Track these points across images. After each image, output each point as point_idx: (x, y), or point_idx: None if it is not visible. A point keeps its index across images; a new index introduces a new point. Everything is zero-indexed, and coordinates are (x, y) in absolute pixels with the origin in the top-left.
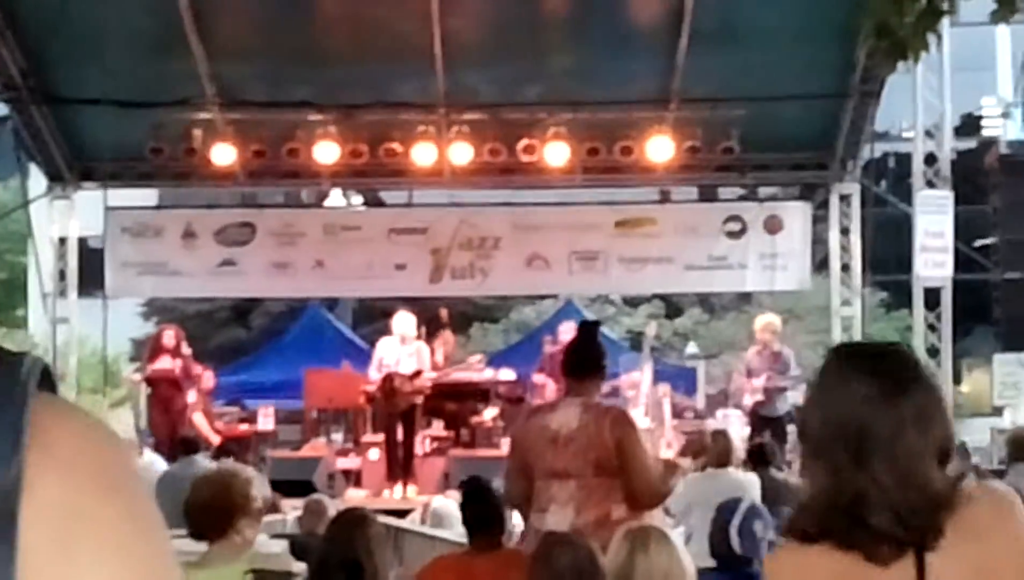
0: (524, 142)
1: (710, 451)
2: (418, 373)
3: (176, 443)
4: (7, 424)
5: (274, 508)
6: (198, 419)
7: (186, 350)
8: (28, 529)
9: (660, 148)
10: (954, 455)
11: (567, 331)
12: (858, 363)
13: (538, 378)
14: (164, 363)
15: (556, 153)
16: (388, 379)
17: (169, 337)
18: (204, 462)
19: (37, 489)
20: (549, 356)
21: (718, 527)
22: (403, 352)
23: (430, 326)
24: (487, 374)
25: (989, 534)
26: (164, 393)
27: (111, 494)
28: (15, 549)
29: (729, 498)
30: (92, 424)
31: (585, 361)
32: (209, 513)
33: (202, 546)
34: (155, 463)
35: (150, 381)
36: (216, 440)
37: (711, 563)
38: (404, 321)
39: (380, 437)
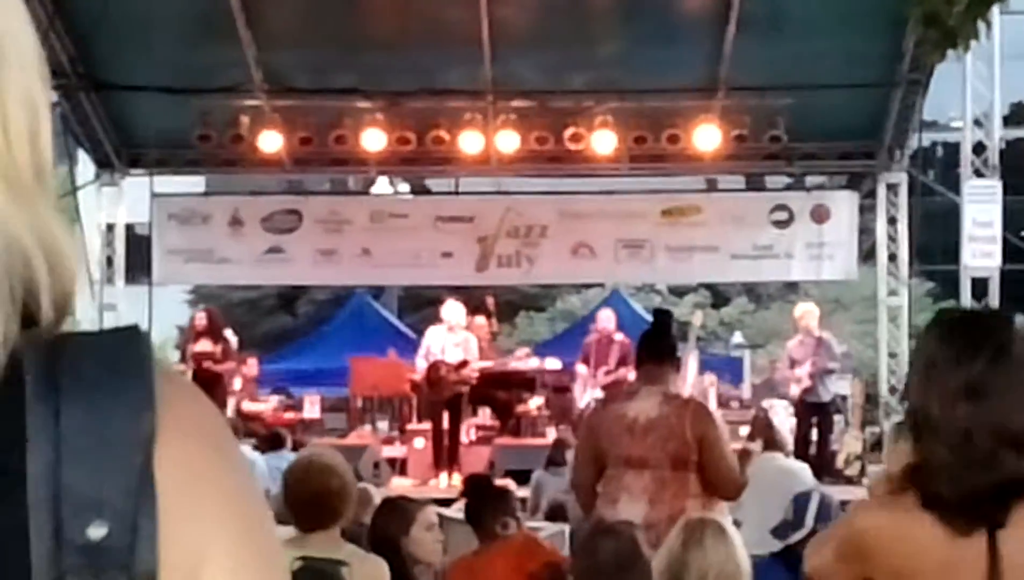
0: (571, 130)
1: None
2: (464, 362)
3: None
4: (140, 385)
5: None
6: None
7: (228, 334)
8: (160, 475)
9: (707, 137)
10: None
11: (606, 319)
12: (931, 334)
13: (580, 368)
14: (204, 346)
15: (603, 141)
16: (434, 368)
17: (201, 318)
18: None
19: (162, 446)
20: (588, 344)
21: (795, 516)
22: (450, 341)
23: (475, 314)
24: (533, 363)
25: None
26: (206, 376)
27: (224, 456)
28: (155, 487)
29: (801, 490)
30: (200, 395)
31: (661, 349)
32: (329, 501)
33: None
34: None
35: (192, 364)
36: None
37: (760, 550)
38: (453, 310)
39: (426, 426)
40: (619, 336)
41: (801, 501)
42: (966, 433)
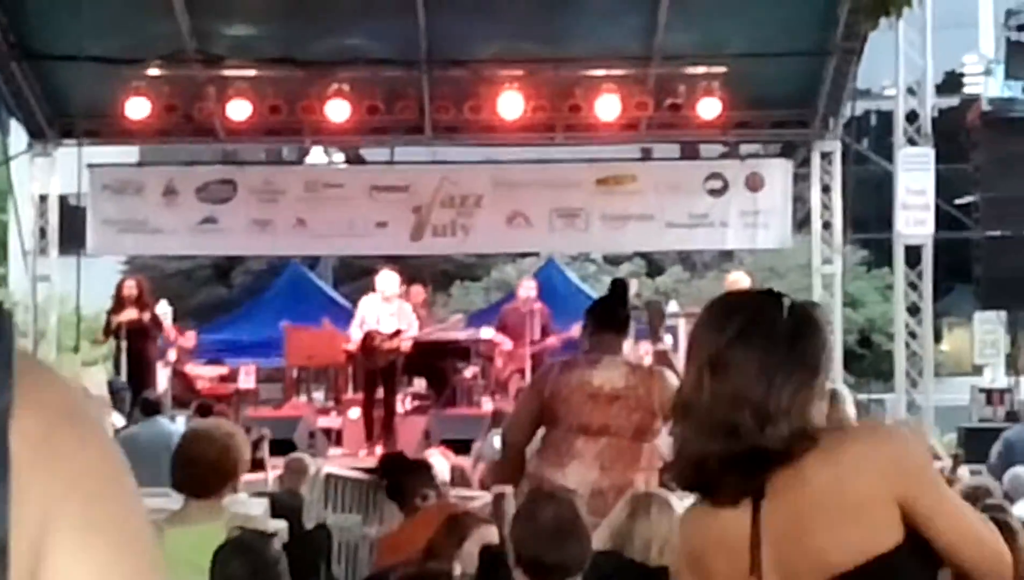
0: (504, 99)
1: None
2: (398, 332)
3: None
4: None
5: (258, 466)
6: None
7: (162, 305)
8: (14, 445)
9: (641, 105)
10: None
11: (528, 288)
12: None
13: (499, 337)
14: (130, 314)
15: (535, 110)
16: (369, 337)
17: (131, 287)
18: (167, 423)
19: (17, 420)
20: (506, 312)
21: None
22: (385, 310)
23: (410, 283)
24: (468, 332)
25: (818, 476)
26: (136, 345)
27: (76, 430)
28: (9, 457)
29: None
30: (56, 375)
31: (619, 318)
32: (208, 470)
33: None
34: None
35: (119, 333)
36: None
37: None
38: (387, 279)
39: (361, 396)
40: (537, 305)
41: None
42: (708, 407)
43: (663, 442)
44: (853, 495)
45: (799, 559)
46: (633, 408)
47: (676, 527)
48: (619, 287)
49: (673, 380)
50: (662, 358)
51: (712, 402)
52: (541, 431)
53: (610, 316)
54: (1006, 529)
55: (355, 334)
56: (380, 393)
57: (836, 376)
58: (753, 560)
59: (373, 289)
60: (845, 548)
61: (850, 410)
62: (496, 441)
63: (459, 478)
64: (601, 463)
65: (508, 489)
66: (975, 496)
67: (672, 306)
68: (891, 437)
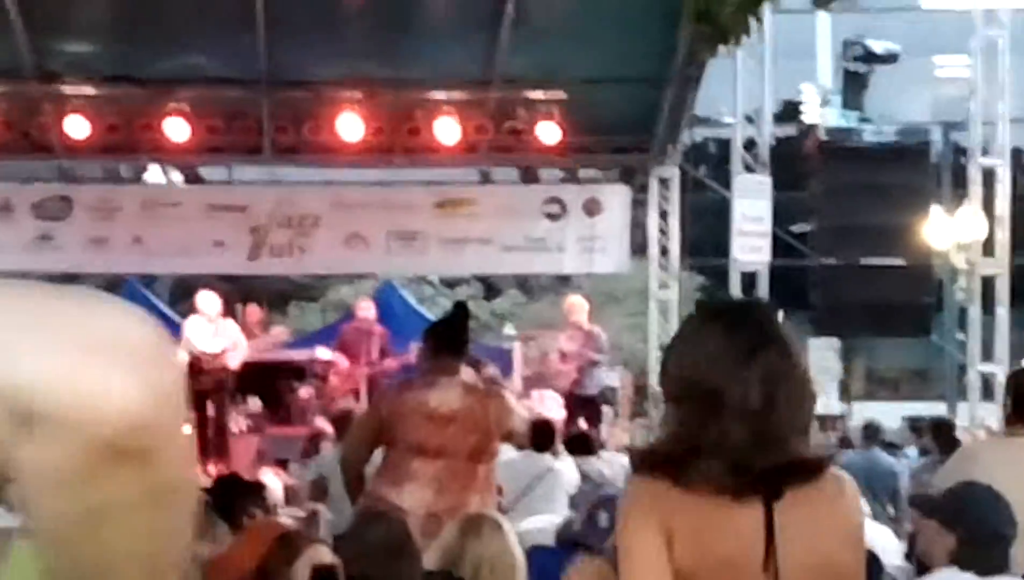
0: (343, 120)
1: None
2: (224, 351)
3: None
4: None
5: None
6: None
7: None
8: None
9: (480, 129)
10: (810, 417)
11: (365, 309)
12: (714, 323)
13: (337, 357)
14: None
15: (375, 132)
16: (194, 359)
17: None
18: None
19: None
20: (346, 332)
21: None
22: (209, 331)
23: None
24: (304, 352)
25: (830, 508)
26: None
27: None
28: None
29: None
30: None
31: (459, 341)
32: None
33: None
34: None
35: None
36: None
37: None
38: (207, 300)
39: (193, 415)
40: (377, 327)
41: (587, 499)
42: (762, 417)
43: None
44: (852, 521)
45: (811, 560)
46: (469, 430)
47: (508, 548)
48: (460, 310)
49: (511, 401)
50: (491, 382)
51: (768, 412)
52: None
53: (449, 338)
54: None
55: (181, 355)
56: (211, 412)
57: None
58: (767, 555)
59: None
60: (848, 561)
61: None
62: (328, 459)
63: (293, 497)
64: (437, 485)
65: (321, 506)
66: None
67: (508, 329)
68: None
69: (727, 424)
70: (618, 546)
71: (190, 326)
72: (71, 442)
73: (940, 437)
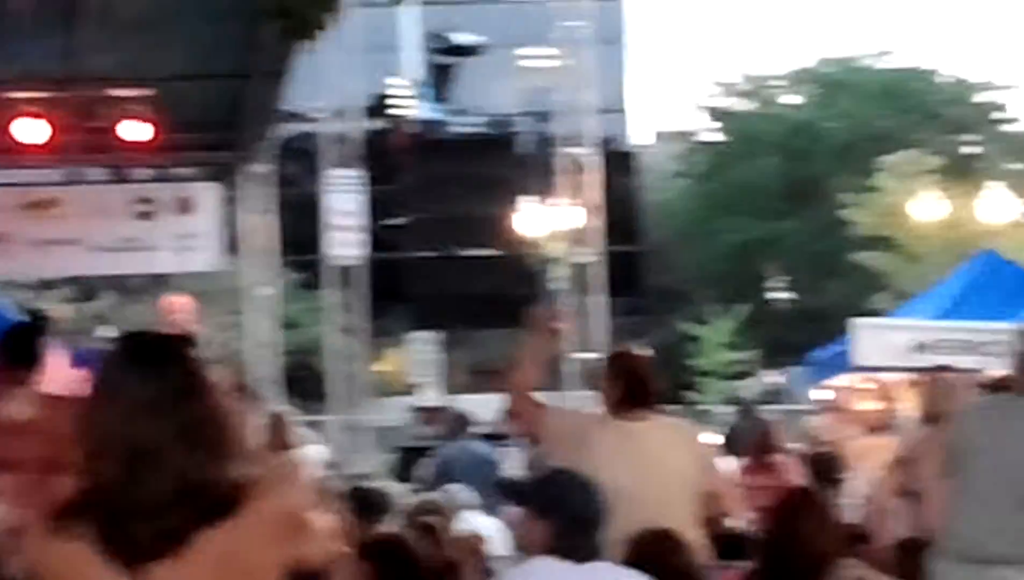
0: None
1: None
2: None
3: None
4: None
5: None
6: None
7: None
8: None
9: (66, 129)
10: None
11: None
12: (127, 372)
13: None
14: None
15: None
16: None
17: None
18: None
19: None
20: None
21: None
22: None
23: None
24: None
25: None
26: None
27: None
28: None
29: None
30: None
31: (36, 351)
32: None
33: None
34: None
35: None
36: None
37: None
38: None
39: None
40: None
41: None
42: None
43: None
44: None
45: None
46: (43, 441)
47: None
48: (36, 322)
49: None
50: None
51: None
52: None
53: (27, 350)
54: None
55: None
56: None
57: (278, 399)
58: None
59: None
60: None
61: (296, 432)
62: None
63: None
64: (12, 499)
65: None
66: (424, 510)
67: (103, 330)
68: None
69: (149, 481)
70: None
71: None
72: None
73: None
